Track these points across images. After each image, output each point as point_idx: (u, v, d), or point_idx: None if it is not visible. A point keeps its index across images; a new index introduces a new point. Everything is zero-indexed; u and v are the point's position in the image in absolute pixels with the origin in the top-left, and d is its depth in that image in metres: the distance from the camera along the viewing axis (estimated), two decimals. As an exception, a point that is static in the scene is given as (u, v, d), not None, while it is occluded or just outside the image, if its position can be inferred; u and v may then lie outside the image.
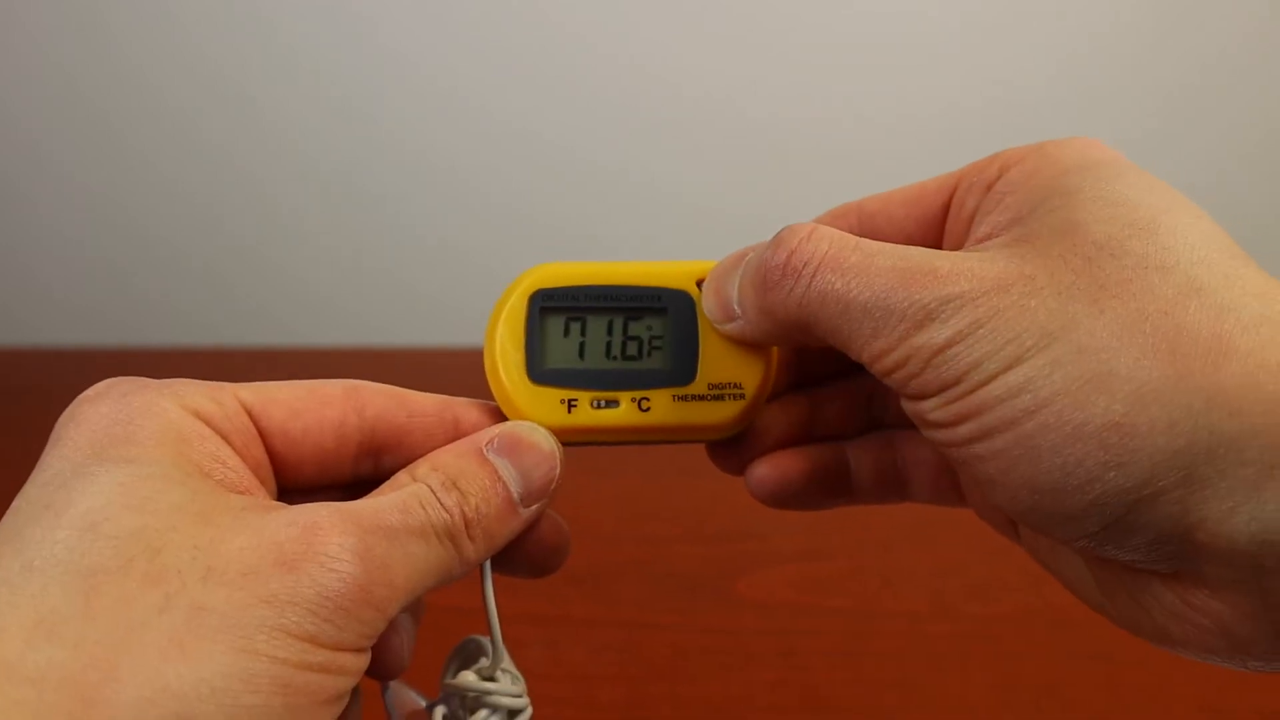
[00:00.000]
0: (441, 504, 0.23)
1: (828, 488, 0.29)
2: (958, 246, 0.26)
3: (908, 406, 0.23)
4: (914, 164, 0.93)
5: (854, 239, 0.23)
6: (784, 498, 0.29)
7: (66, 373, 0.79)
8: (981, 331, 0.21)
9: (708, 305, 0.26)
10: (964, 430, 0.21)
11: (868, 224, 0.28)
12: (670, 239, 0.86)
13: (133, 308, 0.89)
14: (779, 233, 0.24)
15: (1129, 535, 0.20)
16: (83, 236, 0.87)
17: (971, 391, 0.21)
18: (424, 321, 0.89)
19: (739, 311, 0.25)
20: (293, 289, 0.89)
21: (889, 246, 0.23)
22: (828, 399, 0.30)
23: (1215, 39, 0.83)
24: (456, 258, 0.88)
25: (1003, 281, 0.21)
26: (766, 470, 0.28)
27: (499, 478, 0.24)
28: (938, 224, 0.27)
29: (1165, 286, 0.20)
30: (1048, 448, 0.20)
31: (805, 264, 0.23)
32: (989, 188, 0.25)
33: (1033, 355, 0.20)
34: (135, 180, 0.85)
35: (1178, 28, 0.83)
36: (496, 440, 0.25)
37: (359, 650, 0.21)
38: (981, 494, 0.28)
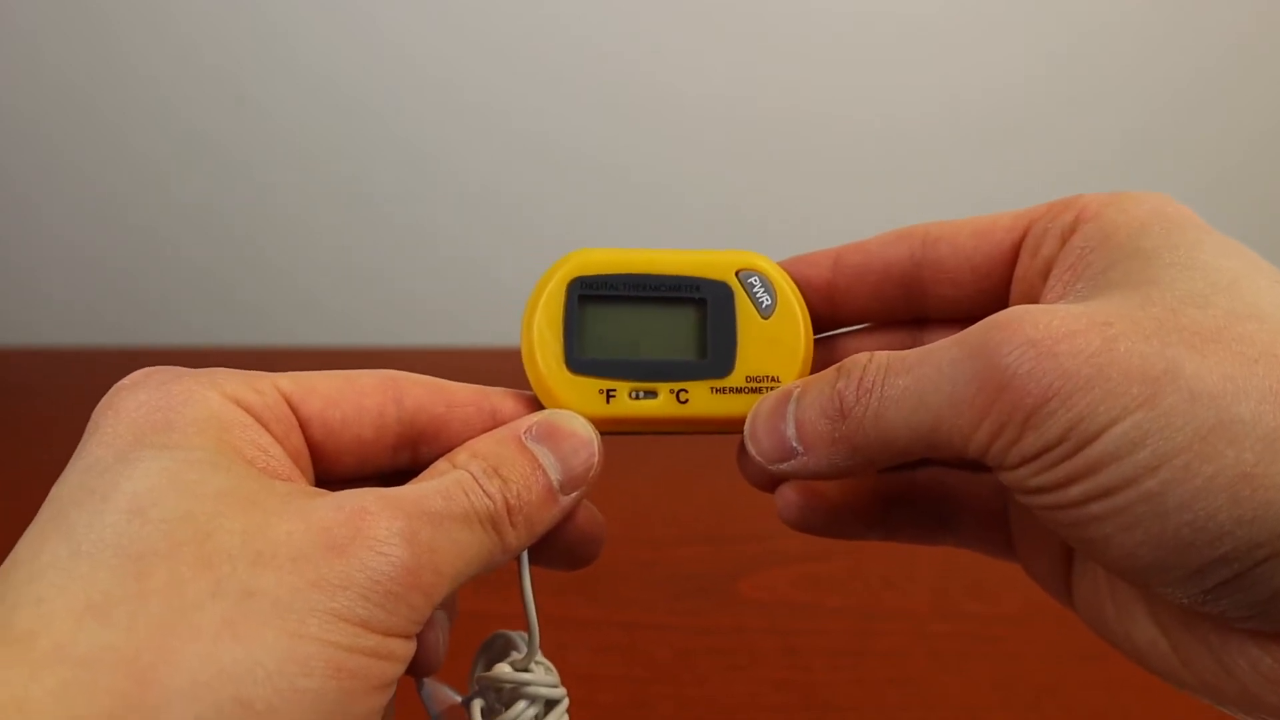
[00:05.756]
0: (484, 490, 0.23)
1: (860, 520, 0.28)
2: (1031, 290, 0.26)
3: (1009, 478, 0.21)
4: (926, 160, 0.92)
5: (909, 351, 0.23)
6: (811, 524, 0.28)
7: (66, 373, 0.79)
8: (1073, 381, 0.19)
9: (758, 449, 0.25)
10: (1075, 491, 0.20)
11: (931, 249, 0.27)
12: (676, 239, 0.86)
13: (133, 308, 0.88)
14: (841, 365, 0.24)
15: (1249, 590, 0.19)
16: (83, 236, 0.86)
17: (1079, 450, 0.20)
18: (425, 322, 0.89)
19: (800, 449, 0.24)
20: (293, 289, 0.89)
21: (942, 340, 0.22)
22: None
23: (1215, 38, 0.83)
24: (458, 259, 0.88)
25: (1076, 327, 0.20)
26: (795, 494, 0.28)
27: (538, 465, 0.24)
28: (1007, 261, 0.26)
29: (1263, 333, 0.19)
30: (1175, 504, 0.19)
31: (874, 380, 0.23)
32: (1065, 239, 0.24)
33: (1141, 406, 0.19)
34: (136, 180, 0.85)
35: (1179, 27, 0.83)
36: (535, 428, 0.25)
37: (407, 636, 0.21)
38: (1033, 539, 0.27)
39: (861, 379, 0.23)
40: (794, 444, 0.24)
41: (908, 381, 0.22)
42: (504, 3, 0.81)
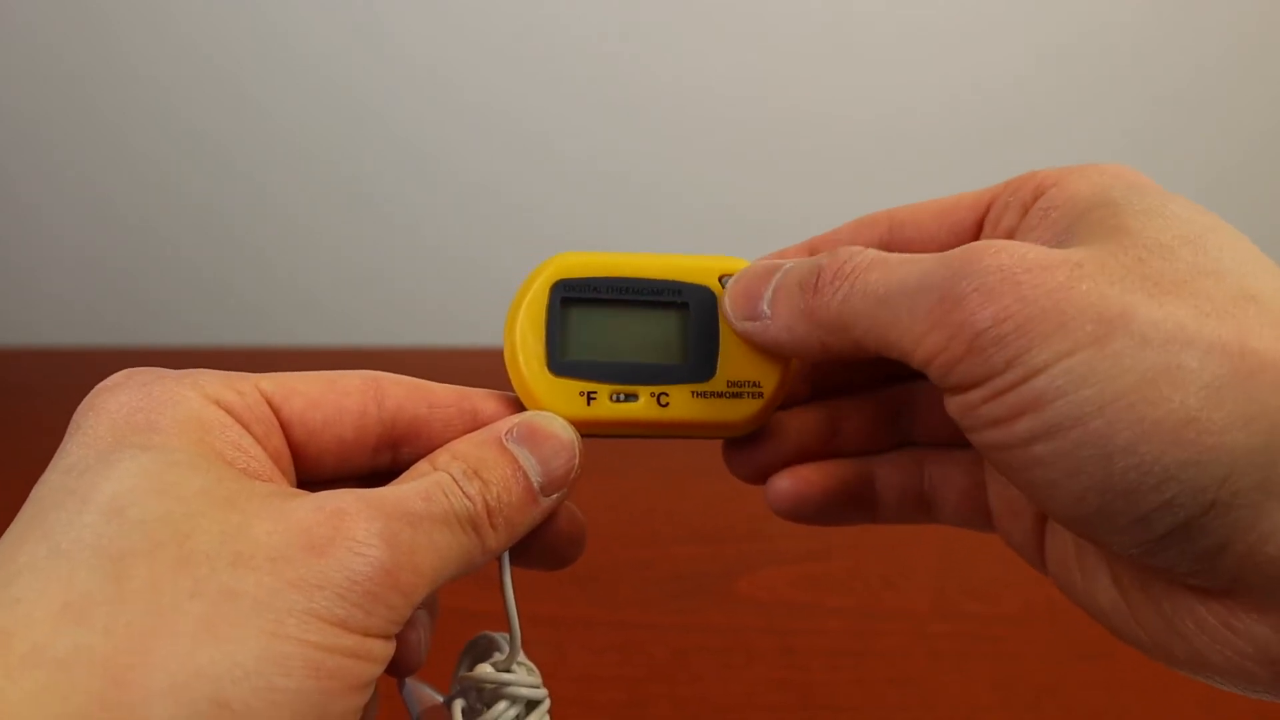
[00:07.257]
0: (464, 492, 0.23)
1: (849, 504, 0.29)
2: None
3: (955, 402, 0.22)
4: (925, 160, 0.92)
5: (899, 254, 0.23)
6: (803, 512, 0.28)
7: (66, 373, 0.79)
8: (1029, 310, 0.20)
9: (732, 301, 0.26)
10: (1022, 428, 0.20)
11: (898, 232, 0.28)
12: (675, 241, 0.86)
13: (133, 308, 0.89)
14: (835, 249, 0.25)
15: (1194, 541, 0.20)
16: (83, 236, 0.87)
17: (1024, 380, 0.20)
18: (424, 322, 0.89)
19: (767, 312, 0.25)
20: (293, 289, 0.89)
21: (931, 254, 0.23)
22: (850, 411, 0.30)
23: (1215, 38, 0.83)
24: (458, 259, 0.88)
25: (1048, 262, 0.20)
26: (787, 483, 0.28)
27: (519, 466, 0.24)
28: (971, 238, 0.27)
29: (1220, 291, 0.20)
30: (1121, 446, 0.19)
31: (854, 268, 0.23)
32: (1025, 209, 0.25)
33: (1092, 344, 0.19)
34: (136, 180, 0.85)
35: (1179, 26, 0.83)
36: (515, 430, 0.25)
37: (386, 637, 0.21)
38: (1009, 506, 0.27)
39: (844, 264, 0.24)
40: (764, 307, 0.25)
41: (883, 276, 0.23)
42: (504, 3, 0.81)
